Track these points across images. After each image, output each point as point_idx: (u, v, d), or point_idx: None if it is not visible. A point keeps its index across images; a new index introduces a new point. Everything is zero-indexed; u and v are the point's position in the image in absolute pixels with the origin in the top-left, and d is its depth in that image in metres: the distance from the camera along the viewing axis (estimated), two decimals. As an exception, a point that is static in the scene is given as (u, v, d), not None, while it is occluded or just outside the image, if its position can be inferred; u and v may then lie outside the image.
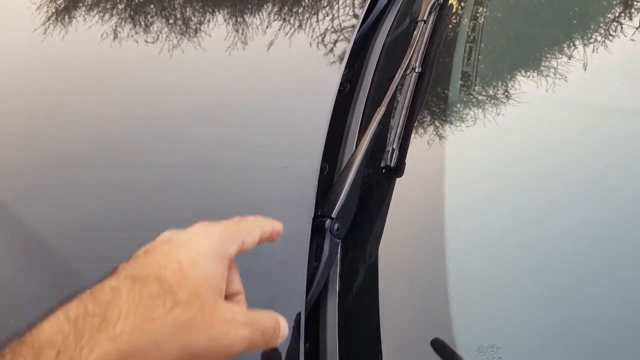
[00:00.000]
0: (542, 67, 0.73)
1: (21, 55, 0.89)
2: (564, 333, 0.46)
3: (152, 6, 0.97)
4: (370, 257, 0.58)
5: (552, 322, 0.46)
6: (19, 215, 0.63)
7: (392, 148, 0.63)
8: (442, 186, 0.59)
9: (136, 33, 0.89)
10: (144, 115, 0.73)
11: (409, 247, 0.57)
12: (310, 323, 0.51)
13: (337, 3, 0.89)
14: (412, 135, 0.66)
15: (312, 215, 0.56)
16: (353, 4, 0.88)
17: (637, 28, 0.76)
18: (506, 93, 0.70)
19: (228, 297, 0.40)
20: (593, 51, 0.74)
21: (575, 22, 0.84)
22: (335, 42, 0.80)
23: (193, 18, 0.92)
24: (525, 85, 0.71)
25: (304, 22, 0.86)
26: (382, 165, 0.63)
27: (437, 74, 0.74)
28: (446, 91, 0.72)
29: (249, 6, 0.92)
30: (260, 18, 0.88)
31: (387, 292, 0.53)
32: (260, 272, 0.54)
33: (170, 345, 0.32)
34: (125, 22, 0.91)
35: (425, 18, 0.80)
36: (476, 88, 0.71)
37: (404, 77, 0.72)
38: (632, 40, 0.74)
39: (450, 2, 0.88)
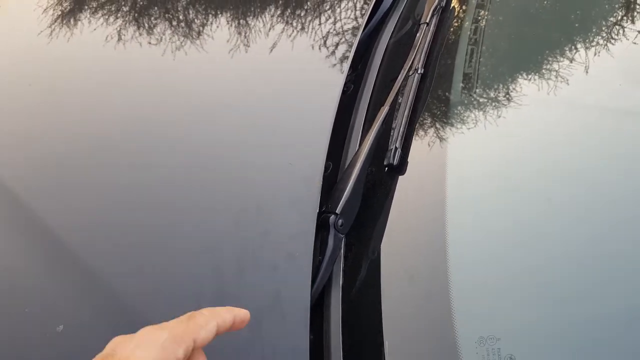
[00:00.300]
0: (542, 68, 0.74)
1: (29, 57, 0.91)
2: (563, 325, 0.47)
3: (156, 9, 0.99)
4: (373, 252, 0.59)
5: (551, 315, 0.48)
6: (28, 210, 0.65)
7: (395, 147, 0.65)
8: (444, 184, 0.60)
9: (148, 34, 0.90)
10: (156, 116, 0.75)
11: (411, 242, 0.58)
12: (314, 315, 0.52)
13: (341, 7, 0.91)
14: (415, 135, 0.68)
15: (317, 211, 0.57)
16: (355, 8, 0.90)
17: (639, 32, 0.77)
18: (507, 93, 0.71)
19: None
20: (595, 54, 0.75)
21: (576, 24, 0.86)
22: (340, 44, 0.82)
23: (203, 21, 0.94)
24: (525, 85, 0.72)
25: (310, 26, 0.88)
26: (385, 163, 0.65)
27: (439, 75, 0.76)
28: (448, 92, 0.74)
29: (257, 10, 0.94)
30: (267, 22, 0.90)
31: (389, 286, 0.54)
32: (266, 265, 0.56)
33: None
34: (129, 24, 0.93)
35: (427, 21, 0.81)
36: (477, 89, 0.73)
37: (406, 78, 0.73)
38: (628, 40, 0.75)
39: (452, 5, 0.89)
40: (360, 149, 0.63)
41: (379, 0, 0.92)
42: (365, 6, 0.88)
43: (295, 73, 0.80)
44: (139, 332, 0.38)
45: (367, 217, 0.61)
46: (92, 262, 0.58)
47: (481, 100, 0.71)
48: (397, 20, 0.92)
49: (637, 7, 0.84)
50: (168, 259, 0.58)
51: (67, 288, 0.57)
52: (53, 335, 0.52)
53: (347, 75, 0.75)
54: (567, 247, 0.53)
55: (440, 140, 0.67)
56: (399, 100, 0.72)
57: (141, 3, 1.01)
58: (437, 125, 0.69)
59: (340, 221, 0.57)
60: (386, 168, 0.65)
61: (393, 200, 0.62)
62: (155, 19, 0.95)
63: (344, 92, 0.72)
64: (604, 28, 0.81)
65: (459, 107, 0.71)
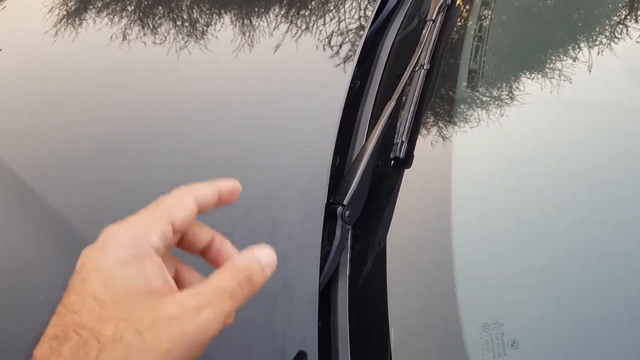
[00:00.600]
0: (546, 66, 0.75)
1: (34, 56, 0.93)
2: (565, 310, 0.48)
3: (160, 8, 1.00)
4: (379, 243, 0.60)
5: (554, 300, 0.49)
6: (32, 207, 0.66)
7: (401, 140, 0.66)
8: (449, 177, 0.61)
9: (153, 34, 0.92)
10: (165, 115, 0.76)
11: (417, 234, 0.60)
12: (322, 304, 0.53)
13: (348, 5, 0.92)
14: (420, 129, 0.69)
15: (325, 203, 0.59)
16: (360, 7, 0.91)
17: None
18: (511, 90, 0.72)
19: (180, 284, 0.37)
20: (598, 53, 0.76)
21: (579, 24, 0.86)
22: (346, 42, 0.83)
23: (208, 21, 0.95)
24: (529, 83, 0.73)
25: (318, 23, 0.89)
26: (391, 156, 0.66)
27: (445, 71, 0.77)
28: (453, 88, 0.75)
29: (264, 9, 0.95)
30: (272, 20, 0.91)
31: (395, 276, 0.55)
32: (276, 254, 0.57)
33: None
34: (134, 24, 0.95)
35: (433, 18, 0.83)
36: (482, 85, 0.74)
37: (412, 73, 0.75)
38: (632, 39, 0.76)
39: (457, 2, 0.91)
40: (367, 143, 0.64)
41: (384, -1, 0.94)
42: (371, 5, 0.90)
43: (304, 71, 0.81)
44: (101, 234, 0.34)
45: (374, 209, 0.62)
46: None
47: (486, 95, 0.72)
48: (403, 18, 0.93)
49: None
50: (175, 251, 0.59)
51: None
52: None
53: (354, 72, 0.77)
54: (570, 237, 0.54)
55: (446, 135, 0.68)
56: (405, 96, 0.73)
57: (146, 2, 1.03)
58: (443, 120, 0.71)
59: (347, 212, 0.58)
60: (392, 161, 0.66)
61: (399, 193, 0.63)
62: (160, 18, 0.97)
63: (351, 88, 0.74)
64: (607, 27, 0.82)
65: (464, 102, 0.72)
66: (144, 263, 0.32)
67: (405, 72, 0.74)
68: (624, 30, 0.79)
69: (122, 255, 0.32)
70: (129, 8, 1.00)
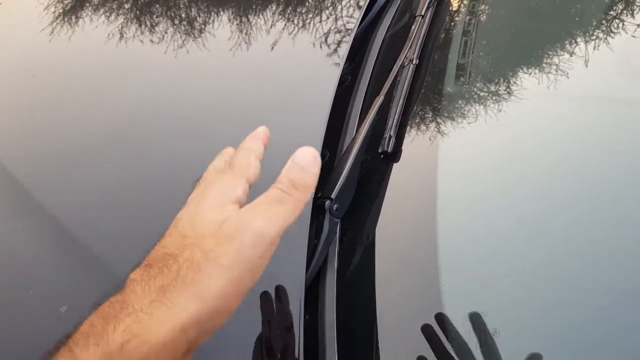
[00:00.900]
0: (536, 60, 0.76)
1: (31, 54, 0.93)
2: (548, 300, 0.49)
3: (157, 6, 1.01)
4: (367, 236, 0.61)
5: (536, 290, 0.49)
6: (31, 203, 0.67)
7: (390, 135, 0.67)
8: (437, 171, 0.62)
9: (150, 32, 0.92)
10: (160, 113, 0.77)
11: (404, 227, 0.60)
12: (310, 296, 0.54)
13: (337, 2, 0.92)
14: (409, 123, 0.69)
15: (313, 196, 0.59)
16: (350, 2, 0.92)
17: (638, 26, 0.78)
18: (500, 85, 0.73)
19: None
20: (593, 47, 0.76)
21: (573, 16, 0.87)
22: (337, 38, 0.83)
23: (205, 19, 0.96)
24: (520, 77, 0.73)
25: (308, 19, 0.89)
26: (379, 151, 0.66)
27: (434, 66, 0.77)
28: (442, 82, 0.75)
29: (253, 6, 0.96)
30: (265, 16, 0.92)
31: (383, 269, 0.56)
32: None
33: (191, 302, 0.35)
34: (131, 22, 0.95)
35: (423, 13, 0.83)
36: (471, 80, 0.74)
37: (401, 68, 0.75)
38: (627, 33, 0.76)
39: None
40: (356, 136, 0.65)
41: (375, -5, 0.94)
42: (362, 1, 0.90)
43: (295, 66, 0.82)
44: (184, 208, 0.42)
45: (362, 203, 0.63)
46: (98, 255, 0.60)
47: (474, 91, 0.73)
48: (394, 14, 0.93)
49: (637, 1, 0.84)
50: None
51: (68, 285, 0.59)
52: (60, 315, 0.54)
53: (345, 68, 0.77)
54: (556, 226, 0.54)
55: (433, 129, 0.68)
56: (394, 90, 0.73)
57: (141, 0, 1.03)
58: (430, 115, 0.71)
59: (335, 206, 0.59)
60: (381, 155, 0.67)
61: (387, 187, 0.64)
62: (157, 16, 0.97)
63: (341, 83, 0.74)
64: (602, 20, 0.82)
65: (452, 96, 0.73)
66: (226, 208, 0.40)
67: (394, 67, 0.74)
68: (618, 23, 0.79)
69: (212, 203, 0.40)
70: (126, 6, 1.00)
